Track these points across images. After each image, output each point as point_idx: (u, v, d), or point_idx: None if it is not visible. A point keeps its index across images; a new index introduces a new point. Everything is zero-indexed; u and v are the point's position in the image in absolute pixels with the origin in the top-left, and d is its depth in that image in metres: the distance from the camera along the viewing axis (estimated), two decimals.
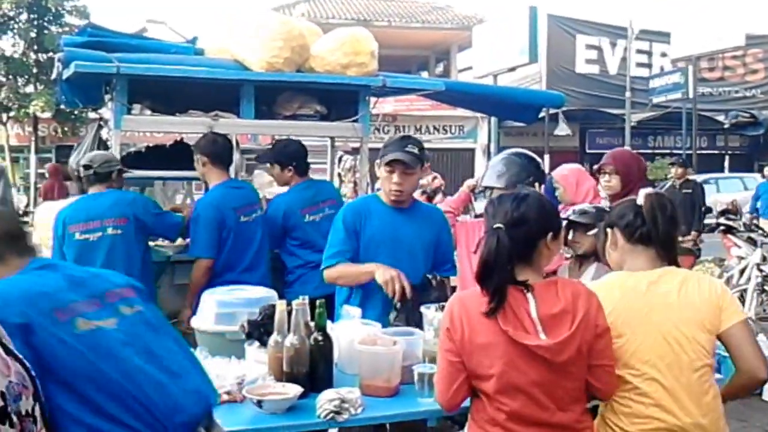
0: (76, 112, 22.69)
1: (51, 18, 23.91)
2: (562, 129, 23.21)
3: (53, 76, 5.59)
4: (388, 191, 3.92)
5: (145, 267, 4.72)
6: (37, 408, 1.08)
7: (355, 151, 7.32)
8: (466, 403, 2.61)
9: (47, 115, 23.57)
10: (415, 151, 3.86)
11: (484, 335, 2.42)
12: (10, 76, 23.98)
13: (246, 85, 5.35)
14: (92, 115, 22.25)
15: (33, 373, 1.10)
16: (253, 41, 5.17)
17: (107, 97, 5.54)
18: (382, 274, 3.61)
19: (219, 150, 4.88)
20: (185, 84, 5.26)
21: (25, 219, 16.40)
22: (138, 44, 5.52)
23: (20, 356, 1.10)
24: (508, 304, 2.42)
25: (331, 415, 2.76)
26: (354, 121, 5.62)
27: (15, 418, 1.02)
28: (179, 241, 5.15)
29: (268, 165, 5.52)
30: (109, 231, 4.55)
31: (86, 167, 4.70)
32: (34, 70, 24.14)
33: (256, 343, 3.15)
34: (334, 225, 4.01)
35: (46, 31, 23.63)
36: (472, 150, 26.12)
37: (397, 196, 3.90)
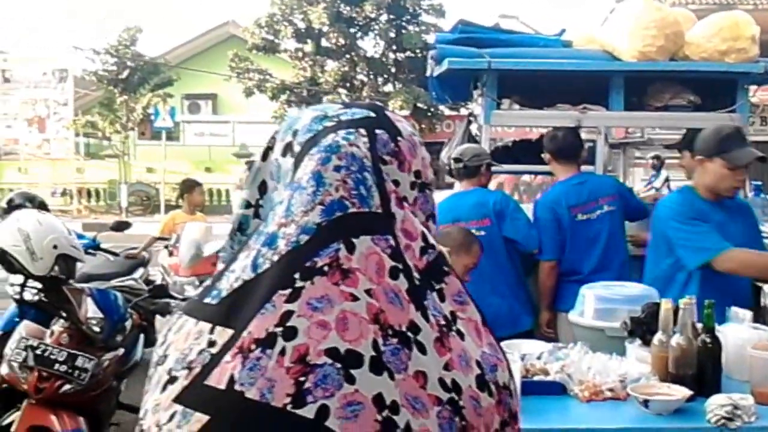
0: (432, 110, 23.95)
1: (409, 18, 25.37)
2: None
3: (427, 73, 5.95)
4: (727, 188, 3.81)
5: (514, 265, 4.81)
6: (512, 382, 1.14)
7: None
8: None
9: (405, 112, 25.11)
10: None
11: None
12: (371, 76, 25.87)
13: (615, 76, 5.31)
14: (448, 112, 23.46)
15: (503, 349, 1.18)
16: (625, 30, 5.13)
17: (476, 92, 5.79)
18: None
19: (559, 145, 4.87)
20: (553, 77, 5.34)
21: None
22: (507, 39, 5.69)
23: (491, 329, 1.17)
24: None
25: (723, 421, 2.67)
26: (731, 111, 5.35)
27: (493, 388, 1.09)
28: None
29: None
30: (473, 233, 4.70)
31: (456, 160, 4.87)
32: (393, 70, 25.82)
33: (638, 341, 3.14)
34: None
35: (404, 31, 25.15)
36: None
37: (735, 193, 3.88)
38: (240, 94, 26.38)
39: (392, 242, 1.09)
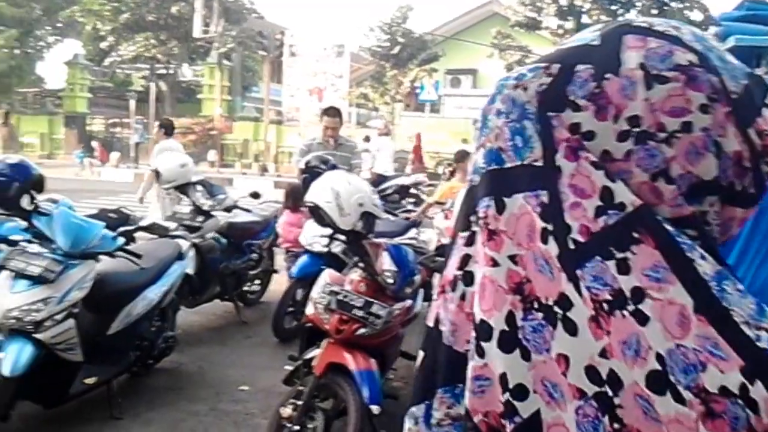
0: None
1: None
2: None
3: None
4: None
5: None
6: (756, 392, 0.96)
7: None
8: None
9: None
10: None
11: None
12: None
13: None
14: None
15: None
16: None
17: (758, 71, 5.43)
18: None
19: None
20: None
21: None
22: None
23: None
24: None
25: None
26: None
27: (687, 393, 0.90)
28: None
29: None
30: None
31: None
32: None
33: None
34: None
35: (666, 8, 23.96)
36: None
37: None
38: (499, 70, 26.32)
39: (544, 199, 0.93)
